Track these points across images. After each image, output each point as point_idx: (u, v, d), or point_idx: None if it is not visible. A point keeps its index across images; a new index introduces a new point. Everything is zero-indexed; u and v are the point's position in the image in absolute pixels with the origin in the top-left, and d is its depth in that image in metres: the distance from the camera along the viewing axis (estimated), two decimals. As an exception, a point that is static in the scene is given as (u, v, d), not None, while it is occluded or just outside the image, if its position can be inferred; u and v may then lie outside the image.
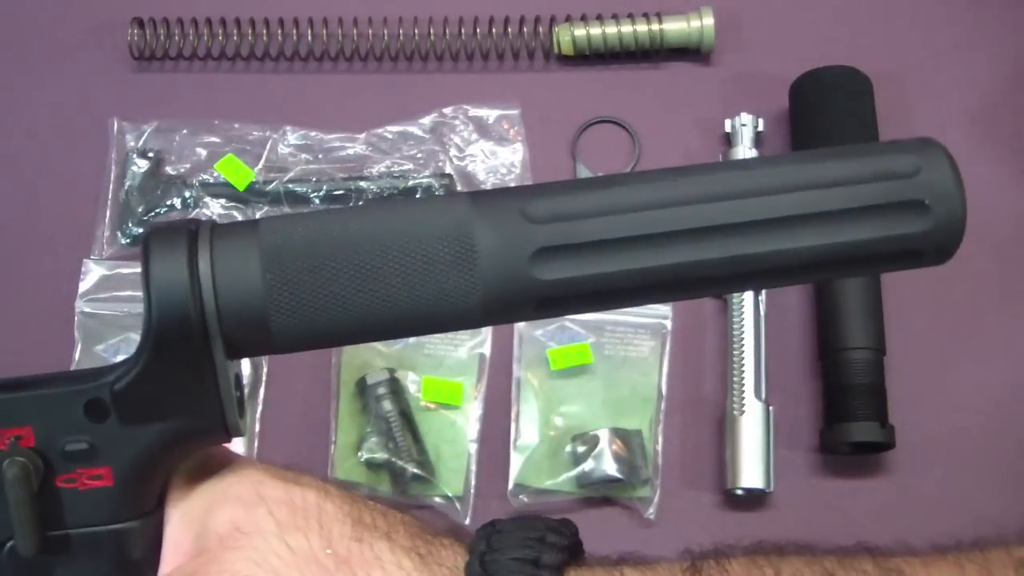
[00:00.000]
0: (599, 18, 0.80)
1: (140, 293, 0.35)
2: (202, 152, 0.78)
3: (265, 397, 0.73)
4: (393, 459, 0.69)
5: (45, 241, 0.77)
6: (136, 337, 0.37)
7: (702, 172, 0.38)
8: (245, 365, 0.72)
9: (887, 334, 0.71)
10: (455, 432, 0.71)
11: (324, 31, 0.81)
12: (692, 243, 0.37)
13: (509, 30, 0.80)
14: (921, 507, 0.70)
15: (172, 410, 0.37)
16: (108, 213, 0.77)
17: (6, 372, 0.40)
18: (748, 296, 0.72)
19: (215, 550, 0.40)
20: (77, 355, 0.73)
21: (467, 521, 0.69)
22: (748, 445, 0.68)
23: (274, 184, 0.77)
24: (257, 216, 0.77)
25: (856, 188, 0.37)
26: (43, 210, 0.78)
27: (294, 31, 0.80)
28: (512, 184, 0.77)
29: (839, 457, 0.71)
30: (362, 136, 0.79)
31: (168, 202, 0.76)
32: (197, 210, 0.77)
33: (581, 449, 0.69)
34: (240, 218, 0.77)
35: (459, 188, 0.77)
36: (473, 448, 0.71)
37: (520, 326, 0.73)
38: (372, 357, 0.72)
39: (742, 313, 0.71)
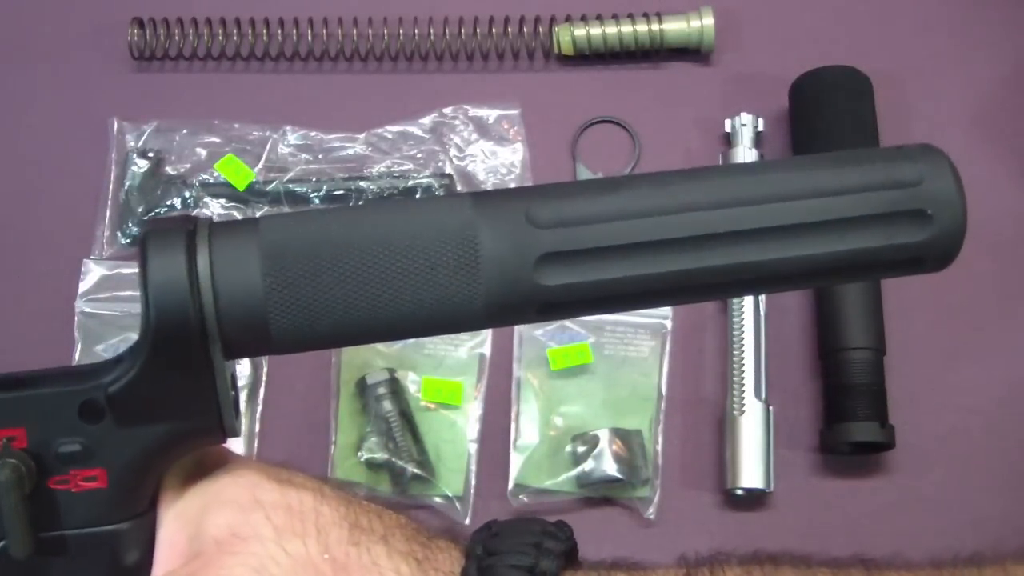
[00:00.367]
0: (599, 18, 0.80)
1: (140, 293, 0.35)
2: (202, 152, 0.78)
3: (265, 397, 0.73)
4: (393, 459, 0.69)
5: (45, 241, 0.77)
6: (136, 337, 0.37)
7: (705, 177, 0.38)
8: (245, 365, 0.72)
9: (887, 334, 0.71)
10: (455, 432, 0.71)
11: (324, 31, 0.81)
12: (696, 250, 0.37)
13: (509, 30, 0.80)
14: (921, 507, 0.70)
15: (168, 411, 0.37)
16: (108, 213, 0.77)
17: (5, 372, 0.40)
18: (748, 296, 0.72)
19: (212, 554, 0.40)
20: (77, 355, 0.73)
21: (467, 521, 0.69)
22: (748, 445, 0.68)
23: (274, 184, 0.77)
24: (257, 216, 0.77)
25: (859, 197, 0.37)
26: (43, 210, 0.78)
27: (294, 31, 0.80)
28: (512, 184, 0.77)
29: (839, 457, 0.71)
30: (362, 136, 0.79)
31: (168, 202, 0.76)
32: (197, 210, 0.77)
33: (581, 449, 0.69)
34: (240, 218, 0.77)
35: (459, 188, 0.77)
36: (473, 448, 0.71)
37: (520, 326, 0.73)
38: (372, 357, 0.72)
39: (742, 313, 0.71)
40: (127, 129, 0.79)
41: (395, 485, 0.69)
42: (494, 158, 0.78)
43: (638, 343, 0.73)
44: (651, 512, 0.69)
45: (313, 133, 0.79)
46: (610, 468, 0.68)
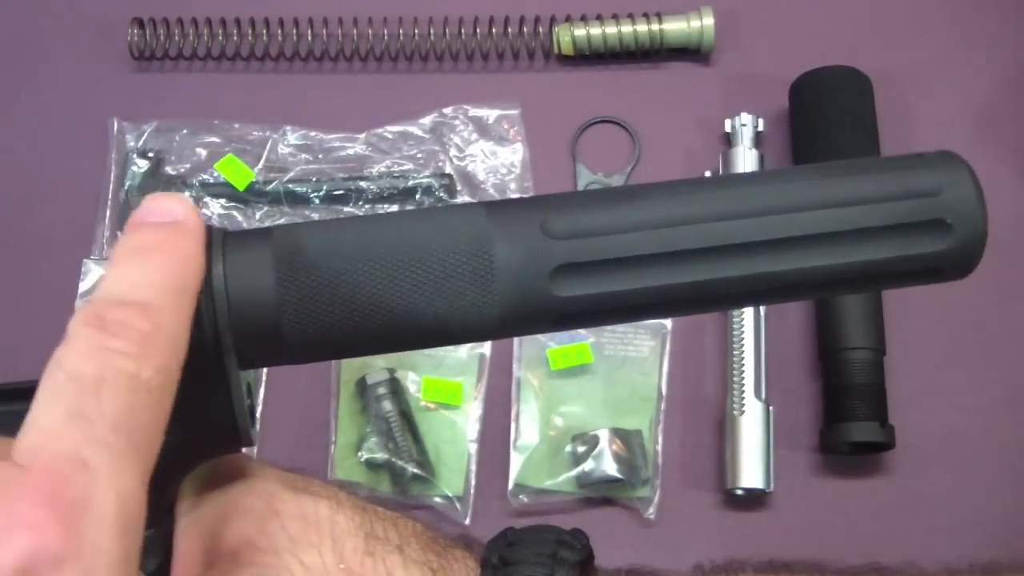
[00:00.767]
0: (599, 18, 0.80)
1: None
2: (202, 152, 0.78)
3: (265, 397, 0.73)
4: (393, 459, 0.69)
5: (45, 241, 0.77)
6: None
7: (721, 187, 0.38)
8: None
9: (887, 334, 0.71)
10: (455, 432, 0.71)
11: (324, 31, 0.81)
12: (712, 261, 0.36)
13: (509, 30, 0.80)
14: (921, 507, 0.70)
15: (184, 421, 0.37)
16: (108, 213, 0.77)
17: (6, 373, 0.40)
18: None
19: (227, 565, 0.40)
20: (77, 355, 0.73)
21: (467, 521, 0.69)
22: (748, 445, 0.68)
23: (274, 184, 0.77)
24: (257, 216, 0.77)
25: (878, 207, 0.37)
26: (43, 210, 0.78)
27: (294, 31, 0.80)
28: (512, 184, 0.77)
29: (839, 457, 0.71)
30: (362, 136, 0.79)
31: (168, 202, 0.76)
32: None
33: (581, 449, 0.69)
34: (240, 218, 0.77)
35: (459, 188, 0.77)
36: (473, 448, 0.71)
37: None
38: (372, 357, 0.72)
39: (742, 313, 0.71)
40: (127, 129, 0.79)
41: (395, 485, 0.69)
42: (494, 158, 0.78)
43: (638, 343, 0.73)
44: (651, 512, 0.69)
45: (313, 133, 0.79)
46: (610, 468, 0.68)
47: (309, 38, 0.81)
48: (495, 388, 0.73)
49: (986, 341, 0.73)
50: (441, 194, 0.77)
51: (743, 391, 0.70)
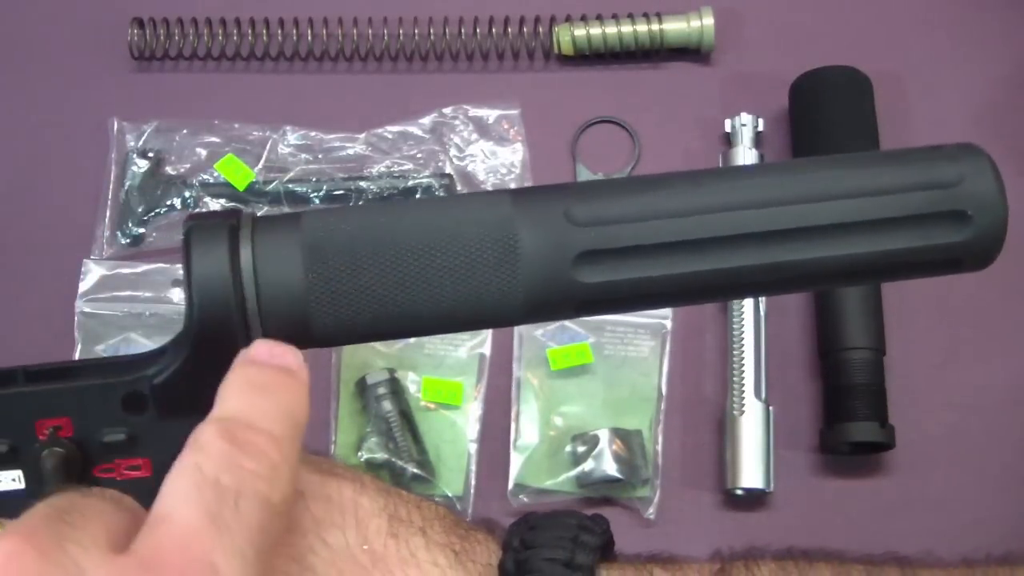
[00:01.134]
0: (599, 18, 0.80)
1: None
2: (202, 152, 0.78)
3: (265, 397, 0.73)
4: (393, 459, 0.69)
5: (45, 241, 0.77)
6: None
7: (743, 176, 0.38)
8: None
9: (887, 334, 0.71)
10: (455, 432, 0.71)
11: (324, 31, 0.81)
12: (733, 249, 0.37)
13: (509, 30, 0.80)
14: (921, 507, 0.70)
15: (210, 403, 0.37)
16: (108, 213, 0.77)
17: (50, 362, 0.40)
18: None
19: None
20: (77, 355, 0.73)
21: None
22: (748, 445, 0.68)
23: (274, 184, 0.77)
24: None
25: (898, 197, 0.37)
26: (43, 210, 0.78)
27: (294, 31, 0.80)
28: (512, 184, 0.77)
29: (839, 457, 0.71)
30: (362, 136, 0.79)
31: (168, 202, 0.76)
32: (198, 210, 0.77)
33: (581, 449, 0.69)
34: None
35: (459, 188, 0.77)
36: (473, 448, 0.71)
37: (520, 326, 0.73)
38: (372, 357, 0.72)
39: (742, 313, 0.71)
40: (127, 129, 0.79)
41: (395, 485, 0.69)
42: (494, 158, 0.78)
43: (638, 343, 0.73)
44: (651, 512, 0.69)
45: (313, 133, 0.79)
46: (610, 468, 0.68)
47: (309, 38, 0.81)
48: (495, 388, 0.73)
49: (986, 341, 0.73)
50: (441, 194, 0.77)
51: (743, 391, 0.70)
